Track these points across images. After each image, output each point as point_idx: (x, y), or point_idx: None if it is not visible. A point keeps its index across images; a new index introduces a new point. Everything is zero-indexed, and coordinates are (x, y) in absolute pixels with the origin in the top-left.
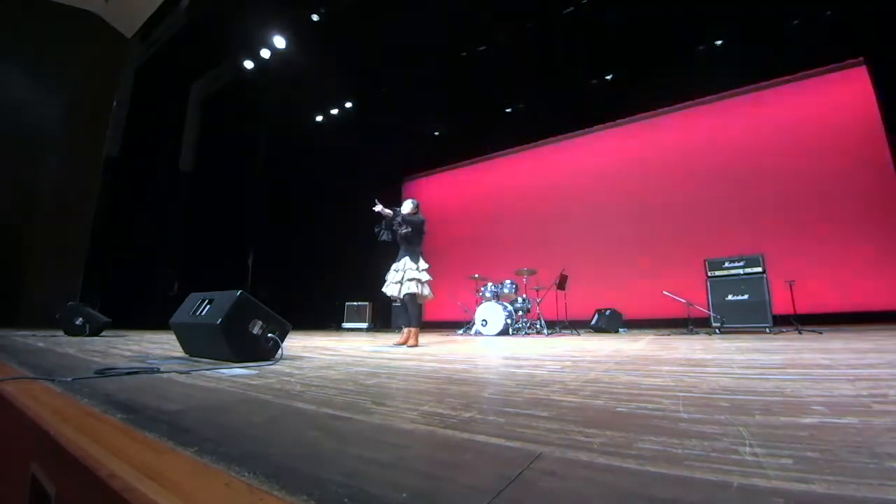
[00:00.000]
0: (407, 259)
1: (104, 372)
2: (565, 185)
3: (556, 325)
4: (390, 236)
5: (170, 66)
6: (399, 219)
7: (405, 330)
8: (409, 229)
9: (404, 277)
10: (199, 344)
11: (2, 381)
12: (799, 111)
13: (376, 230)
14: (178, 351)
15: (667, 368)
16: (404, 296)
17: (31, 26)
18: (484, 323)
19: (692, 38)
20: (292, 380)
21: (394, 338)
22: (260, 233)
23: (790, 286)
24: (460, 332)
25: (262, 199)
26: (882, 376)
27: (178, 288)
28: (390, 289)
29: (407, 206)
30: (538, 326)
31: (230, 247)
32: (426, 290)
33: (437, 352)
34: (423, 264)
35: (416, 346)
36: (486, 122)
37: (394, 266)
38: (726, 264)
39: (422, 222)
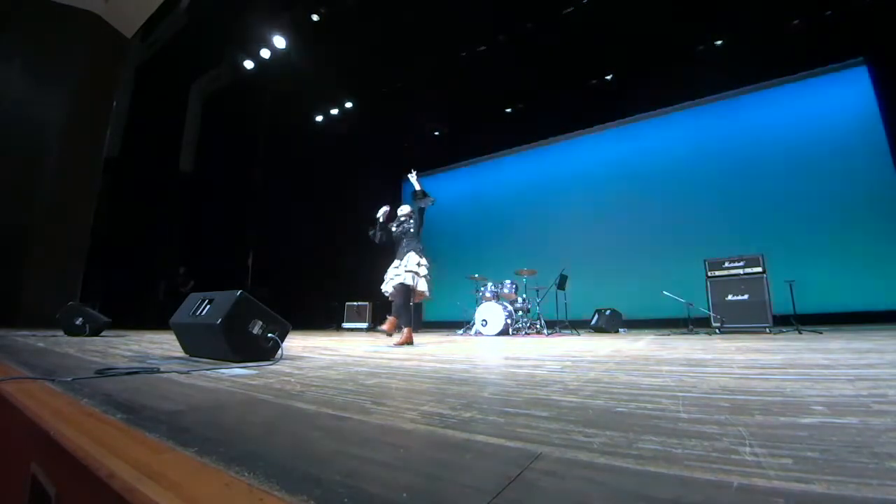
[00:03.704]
0: (411, 254)
1: (104, 372)
2: (565, 185)
3: (556, 325)
4: (385, 237)
5: (170, 66)
6: (405, 215)
7: (404, 329)
8: (412, 224)
9: (403, 271)
10: (199, 344)
11: (2, 381)
12: (799, 111)
13: (370, 233)
14: (178, 351)
15: (667, 368)
16: (396, 286)
17: (31, 26)
18: (484, 323)
19: (692, 38)
20: (292, 380)
21: (394, 338)
22: (260, 233)
23: (790, 286)
24: (460, 332)
25: (261, 198)
26: (882, 376)
27: (192, 286)
28: (388, 285)
29: (404, 211)
30: (538, 326)
31: (230, 247)
32: (422, 285)
33: (437, 352)
34: (423, 260)
35: (404, 343)
36: (486, 122)
37: (394, 263)
38: (726, 264)
39: (420, 210)
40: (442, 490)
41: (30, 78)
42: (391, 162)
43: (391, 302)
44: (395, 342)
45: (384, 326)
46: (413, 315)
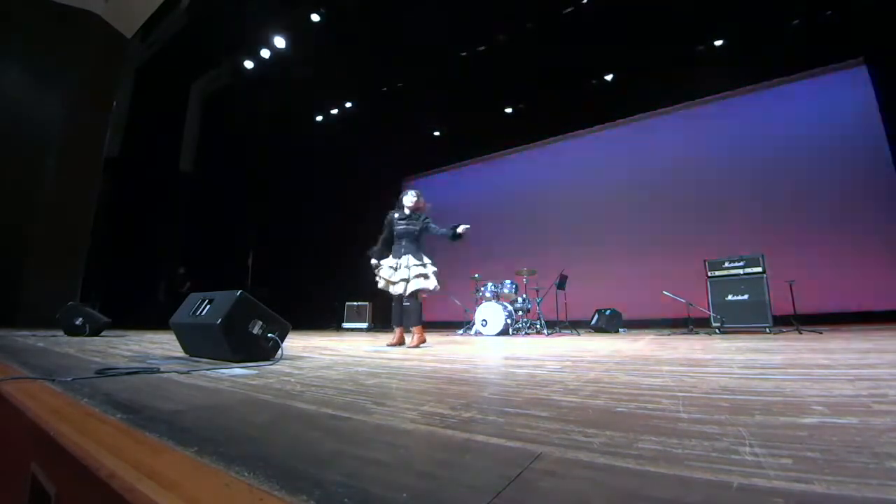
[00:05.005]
0: (410, 256)
1: (104, 372)
2: (565, 185)
3: (556, 325)
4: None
5: (170, 66)
6: (412, 208)
7: (397, 329)
8: (419, 227)
9: (411, 274)
10: (199, 344)
11: (2, 381)
12: (799, 111)
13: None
14: (178, 351)
15: (667, 368)
16: (410, 293)
17: (31, 26)
18: (484, 323)
19: (692, 38)
20: (292, 380)
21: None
22: (260, 233)
23: (790, 286)
24: (460, 332)
25: (261, 198)
26: (882, 376)
27: (190, 287)
28: (399, 287)
29: (411, 198)
30: (538, 326)
31: (230, 247)
32: (433, 284)
33: (437, 352)
34: (427, 259)
35: (419, 345)
36: (486, 122)
37: (390, 263)
38: (726, 264)
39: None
40: (442, 490)
41: (30, 78)
42: (391, 162)
43: (394, 307)
44: (409, 345)
45: (393, 342)
46: (404, 314)
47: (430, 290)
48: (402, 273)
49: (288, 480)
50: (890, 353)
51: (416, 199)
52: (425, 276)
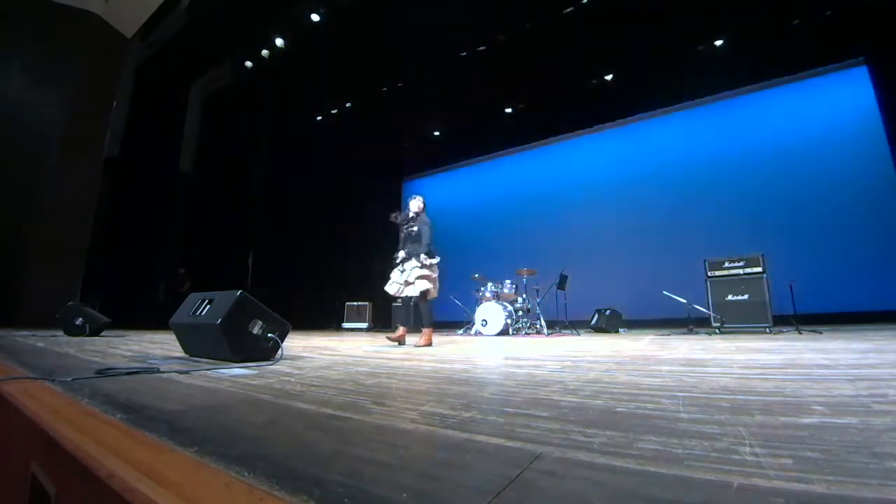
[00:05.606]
0: (413, 259)
1: (104, 372)
2: (565, 184)
3: (556, 325)
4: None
5: (170, 66)
6: (416, 213)
7: (401, 328)
8: (416, 229)
9: (414, 276)
10: (199, 344)
11: (2, 381)
12: (799, 111)
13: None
14: (178, 351)
15: (667, 368)
16: (410, 295)
17: (31, 26)
18: (484, 323)
19: (692, 38)
20: (292, 380)
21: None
22: (260, 233)
23: (790, 286)
24: (460, 332)
25: (262, 198)
26: (882, 376)
27: (189, 287)
28: (409, 289)
29: (417, 204)
30: (538, 326)
31: (230, 247)
32: (417, 291)
33: (437, 352)
34: (426, 263)
35: (427, 345)
36: (486, 122)
37: (399, 266)
38: (726, 264)
39: (430, 228)
40: (442, 490)
41: (30, 78)
42: (391, 162)
43: (394, 304)
44: (416, 343)
45: (394, 338)
46: (412, 315)
47: (414, 297)
48: (409, 274)
49: (288, 480)
50: (890, 353)
51: (421, 203)
52: (414, 282)
